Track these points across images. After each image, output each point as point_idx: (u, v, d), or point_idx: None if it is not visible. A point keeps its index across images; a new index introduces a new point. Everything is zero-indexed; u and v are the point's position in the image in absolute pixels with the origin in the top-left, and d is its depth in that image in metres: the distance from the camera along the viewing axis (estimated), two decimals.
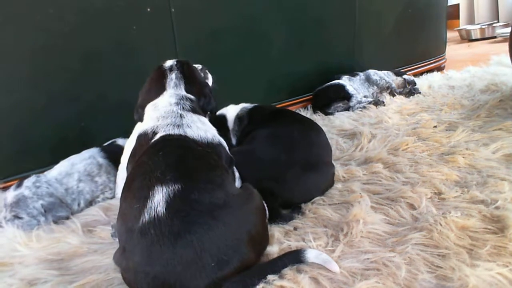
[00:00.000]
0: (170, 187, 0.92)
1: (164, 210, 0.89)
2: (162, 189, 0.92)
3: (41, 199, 1.40)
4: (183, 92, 1.31)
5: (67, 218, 1.44)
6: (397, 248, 1.01)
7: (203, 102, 1.34)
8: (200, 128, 1.19)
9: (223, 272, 0.87)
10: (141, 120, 1.29)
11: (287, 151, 1.36)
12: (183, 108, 1.24)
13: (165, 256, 0.84)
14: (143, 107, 1.29)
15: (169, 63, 1.37)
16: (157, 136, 1.12)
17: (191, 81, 1.35)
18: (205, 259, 0.85)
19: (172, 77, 1.33)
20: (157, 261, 0.84)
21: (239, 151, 1.42)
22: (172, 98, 1.27)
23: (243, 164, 1.33)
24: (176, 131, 1.14)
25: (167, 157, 1.02)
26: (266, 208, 1.18)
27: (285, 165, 1.32)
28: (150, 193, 0.92)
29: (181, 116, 1.21)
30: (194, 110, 1.26)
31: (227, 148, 1.26)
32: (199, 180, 0.98)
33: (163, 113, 1.21)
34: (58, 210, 1.43)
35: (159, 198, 0.90)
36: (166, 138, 1.11)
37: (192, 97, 1.31)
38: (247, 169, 1.33)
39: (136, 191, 0.96)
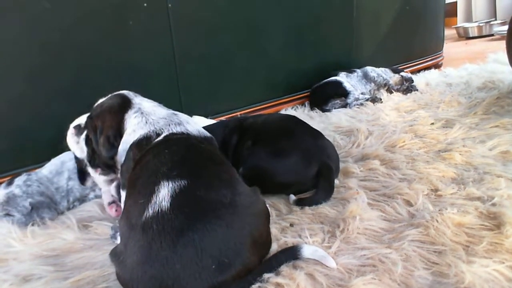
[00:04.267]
0: (177, 183, 0.90)
1: (169, 205, 0.86)
2: (168, 184, 0.90)
3: (30, 197, 1.39)
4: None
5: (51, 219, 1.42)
6: (393, 245, 1.01)
7: None
8: (196, 123, 1.18)
9: (223, 276, 0.82)
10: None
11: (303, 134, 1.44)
12: (168, 108, 1.21)
13: (164, 252, 0.81)
14: (118, 135, 1.18)
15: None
16: (161, 137, 1.10)
17: None
18: (205, 260, 0.81)
19: (127, 91, 1.28)
20: (156, 258, 0.81)
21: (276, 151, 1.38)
22: (150, 102, 1.22)
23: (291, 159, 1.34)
24: (178, 129, 1.12)
25: (173, 154, 1.00)
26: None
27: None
28: (156, 188, 0.90)
29: (174, 114, 1.19)
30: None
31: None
32: (206, 176, 0.96)
33: (159, 114, 1.17)
34: (44, 210, 1.41)
35: (164, 193, 0.88)
36: (170, 137, 1.09)
37: None
38: (296, 162, 1.33)
39: (141, 188, 0.94)
